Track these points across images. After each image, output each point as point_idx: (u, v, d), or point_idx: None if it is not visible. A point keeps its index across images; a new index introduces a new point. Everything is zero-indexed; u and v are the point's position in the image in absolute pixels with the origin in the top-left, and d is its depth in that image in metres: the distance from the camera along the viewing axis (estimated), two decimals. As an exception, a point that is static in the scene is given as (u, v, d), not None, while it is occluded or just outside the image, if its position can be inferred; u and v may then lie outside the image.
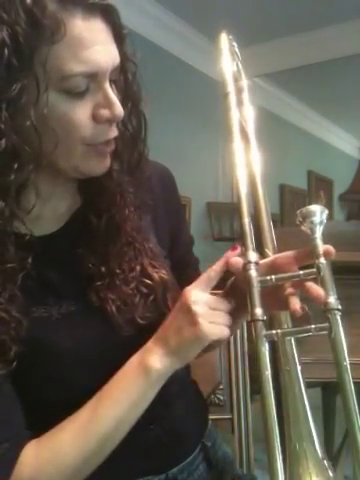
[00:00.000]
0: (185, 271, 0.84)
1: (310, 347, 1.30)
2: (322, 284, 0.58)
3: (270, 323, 0.63)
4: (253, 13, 3.39)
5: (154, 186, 0.81)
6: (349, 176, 6.01)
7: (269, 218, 0.71)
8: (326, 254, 0.59)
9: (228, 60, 0.77)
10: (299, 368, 0.62)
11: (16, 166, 0.61)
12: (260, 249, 0.68)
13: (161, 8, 3.40)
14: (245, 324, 1.03)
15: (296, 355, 0.62)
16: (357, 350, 1.40)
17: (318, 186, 5.75)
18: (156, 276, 0.73)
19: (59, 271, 0.70)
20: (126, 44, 0.68)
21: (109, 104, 0.64)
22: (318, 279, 0.59)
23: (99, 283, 0.70)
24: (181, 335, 0.62)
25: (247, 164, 0.72)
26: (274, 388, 0.57)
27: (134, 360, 0.65)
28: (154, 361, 0.63)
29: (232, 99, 0.73)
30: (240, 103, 0.78)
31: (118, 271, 0.71)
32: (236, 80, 0.78)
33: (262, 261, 0.63)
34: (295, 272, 0.61)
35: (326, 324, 0.57)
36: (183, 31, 3.69)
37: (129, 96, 0.70)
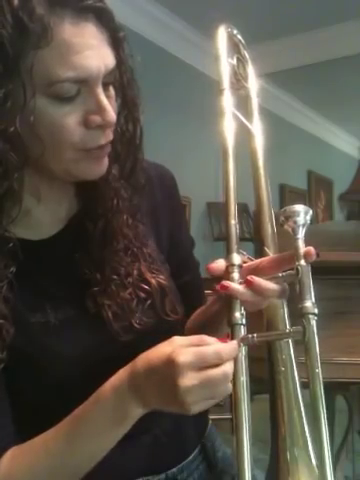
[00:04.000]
0: (185, 274, 0.83)
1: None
2: (300, 287, 0.57)
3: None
4: (253, 13, 3.39)
5: (155, 188, 0.81)
6: (349, 176, 6.00)
7: (271, 216, 0.70)
8: (307, 256, 0.59)
9: (224, 54, 0.74)
10: (295, 370, 0.61)
11: (1, 172, 0.59)
12: (261, 248, 0.67)
13: (161, 8, 3.40)
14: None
15: (293, 356, 0.62)
16: (357, 350, 1.40)
17: (318, 186, 5.75)
18: (154, 281, 0.72)
19: (56, 276, 0.69)
20: (123, 47, 0.66)
21: (100, 110, 0.62)
22: (296, 282, 0.58)
23: (95, 289, 0.70)
24: (164, 403, 0.58)
25: (252, 160, 0.70)
26: (270, 388, 0.57)
27: (109, 401, 0.60)
28: (132, 411, 0.59)
29: (227, 96, 0.70)
30: (244, 97, 0.77)
31: (114, 276, 0.70)
32: (238, 75, 0.76)
33: (245, 265, 0.62)
34: (275, 275, 0.60)
35: (300, 328, 0.56)
36: (183, 31, 3.69)
37: (126, 100, 0.69)
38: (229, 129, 0.68)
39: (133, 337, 0.69)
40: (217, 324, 0.70)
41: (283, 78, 4.33)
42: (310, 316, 0.56)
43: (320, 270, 1.37)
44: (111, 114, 0.63)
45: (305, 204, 0.63)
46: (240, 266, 0.60)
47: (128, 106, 0.69)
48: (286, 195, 5.06)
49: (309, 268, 0.58)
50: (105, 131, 0.64)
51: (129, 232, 0.73)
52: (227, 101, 0.70)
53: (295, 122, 5.28)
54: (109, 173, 0.70)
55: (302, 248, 0.59)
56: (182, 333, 0.62)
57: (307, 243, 0.61)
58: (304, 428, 0.59)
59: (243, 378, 0.55)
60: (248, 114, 0.77)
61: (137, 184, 0.74)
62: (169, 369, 0.55)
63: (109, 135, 0.65)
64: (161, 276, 0.74)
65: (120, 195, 0.72)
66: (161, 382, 0.56)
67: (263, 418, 0.62)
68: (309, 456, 0.58)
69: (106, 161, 0.67)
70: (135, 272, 0.72)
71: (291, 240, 0.61)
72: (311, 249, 0.59)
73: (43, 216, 0.70)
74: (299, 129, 5.36)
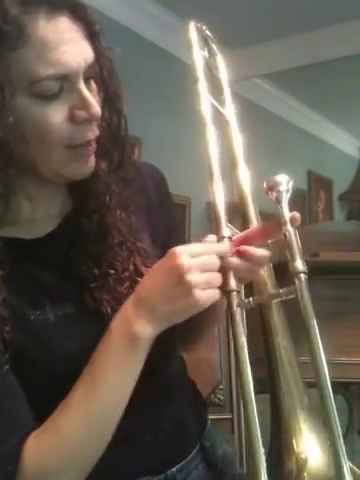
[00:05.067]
0: None
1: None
2: (288, 249, 0.61)
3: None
4: (253, 13, 3.38)
5: (148, 187, 0.81)
6: (349, 176, 5.99)
7: (255, 206, 0.73)
8: (292, 220, 0.62)
9: (196, 46, 0.79)
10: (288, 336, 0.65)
11: None
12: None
13: (161, 8, 3.40)
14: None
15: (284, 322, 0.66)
16: (357, 350, 1.40)
17: (318, 186, 5.74)
18: None
19: (54, 274, 0.70)
20: (100, 40, 0.66)
21: (85, 104, 0.62)
22: (286, 245, 0.61)
23: (93, 285, 0.70)
24: (173, 305, 0.60)
25: (229, 150, 0.73)
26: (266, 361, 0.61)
27: (117, 332, 0.62)
28: (141, 330, 0.60)
29: (202, 85, 0.73)
30: (218, 88, 0.80)
31: (111, 271, 0.71)
32: (210, 66, 0.80)
33: (234, 237, 0.64)
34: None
35: (292, 288, 0.59)
36: (183, 32, 3.69)
37: (108, 93, 0.68)
38: (206, 112, 0.71)
39: None
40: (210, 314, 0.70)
41: (283, 78, 4.33)
42: (301, 275, 0.59)
43: (320, 270, 1.38)
44: (96, 107, 0.63)
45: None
46: (230, 238, 0.63)
47: (110, 98, 0.69)
48: (286, 195, 5.05)
49: (296, 232, 0.62)
50: (91, 125, 0.64)
51: (123, 227, 0.73)
52: (203, 88, 0.73)
53: (295, 122, 5.27)
54: (99, 168, 0.70)
55: (287, 214, 0.62)
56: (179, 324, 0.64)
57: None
58: (300, 385, 0.63)
59: (242, 339, 0.59)
60: (222, 102, 0.80)
61: (127, 176, 0.74)
62: (171, 261, 0.59)
63: (95, 130, 0.65)
64: None
65: (112, 190, 0.72)
66: (166, 277, 0.60)
67: (264, 418, 0.63)
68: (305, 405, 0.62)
69: (93, 159, 0.67)
70: (131, 267, 0.72)
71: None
72: (296, 214, 0.63)
73: (36, 215, 0.70)
74: (299, 129, 5.36)
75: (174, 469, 0.76)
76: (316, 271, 1.44)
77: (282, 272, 0.63)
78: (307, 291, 0.58)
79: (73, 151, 0.64)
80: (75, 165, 0.66)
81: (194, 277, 0.58)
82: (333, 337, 1.32)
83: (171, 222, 0.86)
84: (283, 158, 4.70)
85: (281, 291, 0.61)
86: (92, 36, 0.64)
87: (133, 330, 0.60)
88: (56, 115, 0.61)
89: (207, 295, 0.59)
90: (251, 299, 0.61)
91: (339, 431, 0.53)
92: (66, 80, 0.60)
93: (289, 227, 0.61)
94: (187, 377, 0.86)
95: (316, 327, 0.57)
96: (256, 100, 4.31)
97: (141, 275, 0.72)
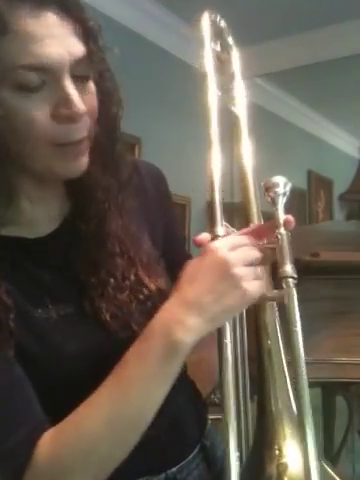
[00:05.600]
0: (180, 270, 0.84)
1: (310, 347, 1.30)
2: (280, 253, 0.61)
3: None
4: (253, 13, 3.38)
5: (147, 186, 0.81)
6: (349, 176, 5.99)
7: (258, 202, 0.72)
8: (286, 224, 0.62)
9: (207, 40, 0.75)
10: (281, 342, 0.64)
11: None
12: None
13: (162, 8, 3.39)
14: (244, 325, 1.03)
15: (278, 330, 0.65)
16: (357, 350, 1.40)
17: (318, 186, 5.74)
18: (153, 286, 0.72)
19: (53, 274, 0.69)
20: (94, 38, 0.64)
21: (67, 102, 0.60)
22: (277, 248, 0.61)
23: (92, 291, 0.69)
24: (224, 302, 0.58)
25: (236, 145, 0.73)
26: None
27: (157, 335, 0.59)
28: (183, 334, 0.58)
29: (211, 80, 0.71)
30: (228, 86, 0.77)
31: (111, 280, 0.70)
32: (222, 60, 0.77)
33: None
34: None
35: (281, 292, 0.60)
36: (183, 32, 3.69)
37: (101, 92, 0.67)
38: (213, 108, 0.69)
39: (132, 333, 0.69)
40: None
41: (283, 78, 4.33)
42: (289, 279, 0.59)
43: (320, 270, 1.38)
44: (79, 105, 0.61)
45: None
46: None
47: (103, 98, 0.67)
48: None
49: (289, 235, 0.62)
50: (77, 125, 0.62)
51: (124, 235, 0.73)
52: (211, 84, 0.71)
53: (295, 122, 5.27)
54: (96, 172, 0.69)
55: (282, 217, 0.63)
56: None
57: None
58: (287, 386, 0.62)
59: (226, 340, 0.59)
60: (232, 99, 0.78)
61: (122, 179, 0.73)
62: (212, 257, 0.59)
63: (82, 130, 0.63)
64: (159, 280, 0.74)
65: (111, 196, 0.72)
66: (211, 274, 0.59)
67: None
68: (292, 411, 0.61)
69: (85, 159, 0.66)
70: (132, 276, 0.71)
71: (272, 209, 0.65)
72: (290, 217, 0.63)
73: (36, 215, 0.70)
74: (299, 129, 5.36)
75: (174, 469, 0.76)
76: (316, 271, 1.45)
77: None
78: (294, 297, 0.58)
79: (61, 149, 0.63)
80: (64, 163, 0.64)
81: (240, 269, 0.58)
82: (333, 337, 1.33)
83: (171, 221, 0.86)
84: (283, 158, 4.70)
85: (270, 295, 0.61)
86: (85, 33, 0.63)
87: (175, 336, 0.58)
88: (38, 110, 0.60)
89: (255, 286, 0.59)
90: None
91: (312, 436, 0.53)
92: (49, 74, 0.59)
93: (282, 230, 0.62)
94: (187, 377, 0.86)
95: (300, 333, 0.57)
96: (256, 100, 4.31)
97: (144, 285, 0.71)
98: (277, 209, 0.63)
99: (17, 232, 0.67)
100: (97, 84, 0.66)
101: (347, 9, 3.36)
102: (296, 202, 5.05)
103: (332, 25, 3.61)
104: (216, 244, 0.60)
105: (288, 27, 3.64)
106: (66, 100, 0.60)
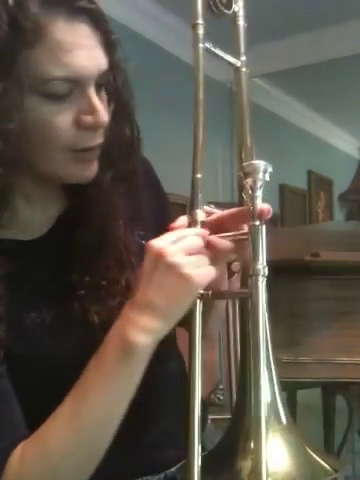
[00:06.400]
0: None
1: (310, 347, 1.30)
2: (251, 247, 0.56)
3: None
4: (253, 13, 3.38)
5: (141, 182, 0.81)
6: (349, 176, 5.98)
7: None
8: (261, 215, 0.57)
9: None
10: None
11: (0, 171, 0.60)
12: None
13: (161, 8, 3.40)
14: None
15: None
16: (357, 350, 1.40)
17: (318, 186, 5.74)
18: None
19: (46, 275, 0.69)
20: (116, 50, 0.66)
21: (92, 110, 0.62)
22: (248, 242, 0.57)
23: (82, 292, 0.69)
24: (170, 293, 0.57)
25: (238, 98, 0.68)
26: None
27: (111, 340, 0.59)
28: (137, 335, 0.57)
29: (200, 32, 0.63)
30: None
31: (103, 283, 0.70)
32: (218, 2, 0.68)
33: (208, 219, 0.62)
34: (232, 232, 0.60)
35: (248, 290, 0.56)
36: (184, 32, 3.69)
37: (120, 103, 0.69)
38: (200, 65, 0.65)
39: None
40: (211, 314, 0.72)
41: (283, 78, 4.33)
42: (259, 277, 0.55)
43: (320, 270, 1.38)
44: (103, 114, 0.63)
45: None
46: (203, 222, 0.61)
47: (122, 109, 0.69)
48: (286, 195, 5.06)
49: (263, 228, 0.56)
50: (96, 132, 0.64)
51: (119, 240, 0.73)
52: (200, 35, 0.64)
53: (295, 122, 5.28)
54: (102, 179, 0.69)
55: (258, 207, 0.57)
56: (174, 330, 0.63)
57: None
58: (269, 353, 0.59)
59: (198, 332, 0.57)
60: (234, 46, 0.71)
61: (134, 190, 0.74)
62: (151, 253, 0.57)
63: (99, 137, 0.65)
64: None
65: (113, 202, 0.72)
66: (153, 270, 0.57)
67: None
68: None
69: (95, 165, 0.67)
70: (123, 281, 0.71)
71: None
72: (265, 207, 0.57)
73: (32, 216, 0.70)
74: (299, 129, 5.36)
75: (174, 469, 0.76)
76: (316, 271, 1.45)
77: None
78: (262, 294, 0.55)
79: (75, 154, 0.64)
80: (76, 169, 0.66)
81: (180, 258, 0.56)
82: (333, 337, 1.32)
83: (162, 212, 0.85)
84: (283, 158, 4.70)
85: (237, 291, 0.59)
86: (109, 45, 0.65)
87: (127, 337, 0.57)
88: (62, 117, 0.61)
89: (201, 272, 0.57)
90: (210, 292, 0.58)
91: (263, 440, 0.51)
92: (76, 84, 0.61)
93: (256, 222, 0.56)
94: (187, 377, 0.86)
95: (261, 333, 0.54)
96: (256, 100, 4.31)
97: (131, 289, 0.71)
98: (254, 197, 0.57)
99: (11, 234, 0.67)
100: (117, 94, 0.68)
101: (348, 9, 3.36)
102: (296, 202, 5.05)
103: (332, 25, 3.62)
104: (155, 240, 0.58)
105: (288, 27, 3.65)
106: (91, 109, 0.62)
